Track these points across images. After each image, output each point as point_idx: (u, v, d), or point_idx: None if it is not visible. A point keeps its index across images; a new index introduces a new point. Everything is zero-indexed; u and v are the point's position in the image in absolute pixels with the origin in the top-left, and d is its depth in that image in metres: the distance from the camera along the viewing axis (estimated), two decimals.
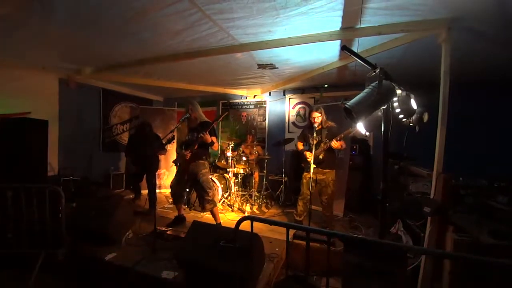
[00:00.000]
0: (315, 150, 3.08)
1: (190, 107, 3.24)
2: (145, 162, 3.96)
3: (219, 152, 5.30)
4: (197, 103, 3.35)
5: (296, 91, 5.52)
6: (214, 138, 3.18)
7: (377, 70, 1.42)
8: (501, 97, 3.89)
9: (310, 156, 3.25)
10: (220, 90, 5.53)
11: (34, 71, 4.16)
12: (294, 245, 2.76)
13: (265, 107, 5.87)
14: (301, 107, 5.54)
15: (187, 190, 4.09)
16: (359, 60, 1.52)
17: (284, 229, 1.63)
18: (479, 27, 2.39)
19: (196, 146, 3.15)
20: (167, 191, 5.51)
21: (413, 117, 1.56)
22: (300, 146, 3.49)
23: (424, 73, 3.28)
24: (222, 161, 4.98)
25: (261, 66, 3.91)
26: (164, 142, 3.33)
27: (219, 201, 4.23)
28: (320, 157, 3.18)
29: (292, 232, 2.91)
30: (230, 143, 4.56)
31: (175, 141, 4.39)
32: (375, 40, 2.86)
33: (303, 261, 1.96)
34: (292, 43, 2.85)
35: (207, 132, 3.03)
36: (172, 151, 5.67)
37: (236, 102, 6.16)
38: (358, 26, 2.53)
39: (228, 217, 3.89)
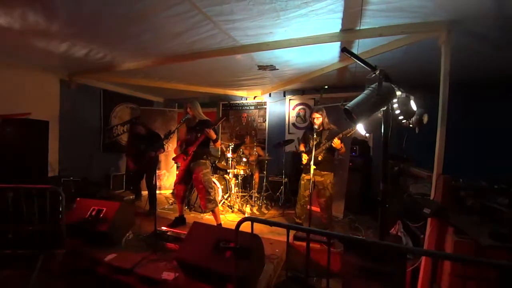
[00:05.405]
0: (314, 151, 3.08)
1: (188, 106, 3.25)
2: (145, 161, 3.97)
3: (219, 153, 5.30)
4: (198, 102, 3.35)
5: (296, 92, 5.53)
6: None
7: (377, 72, 1.43)
8: (501, 98, 3.90)
9: (305, 159, 3.26)
10: (221, 91, 5.54)
11: (35, 72, 4.18)
12: (294, 247, 2.76)
13: (265, 108, 5.88)
14: (301, 108, 5.55)
15: (188, 190, 4.10)
16: (358, 62, 1.52)
17: (284, 230, 1.63)
18: (479, 29, 2.40)
19: (195, 147, 3.16)
20: (167, 192, 5.53)
21: (413, 119, 1.56)
22: (302, 147, 3.49)
23: (424, 74, 3.30)
24: (222, 162, 4.98)
25: (262, 67, 3.92)
26: (162, 137, 3.33)
27: (219, 202, 4.23)
28: (319, 158, 3.18)
29: (292, 233, 2.92)
30: (231, 144, 4.57)
31: (173, 136, 4.33)
32: (375, 42, 2.87)
33: (303, 262, 1.96)
34: (293, 45, 2.86)
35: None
36: (172, 151, 5.68)
37: (237, 103, 6.18)
38: (358, 28, 2.54)
39: (228, 218, 3.89)
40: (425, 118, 1.59)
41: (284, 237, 1.68)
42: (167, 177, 5.69)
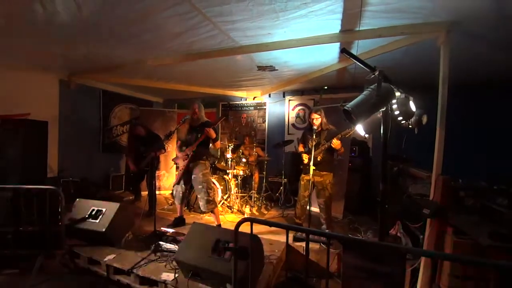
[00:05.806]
0: (314, 151, 3.08)
1: (196, 106, 3.29)
2: (145, 162, 3.97)
3: (219, 154, 5.30)
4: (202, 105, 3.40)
5: (296, 93, 5.54)
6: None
7: (376, 73, 1.43)
8: (501, 98, 3.91)
9: (306, 159, 3.27)
10: (220, 91, 5.55)
11: (35, 72, 4.18)
12: (294, 247, 2.76)
13: (265, 108, 5.89)
14: (301, 108, 5.56)
15: (188, 190, 4.09)
16: (358, 63, 1.53)
17: (284, 231, 1.63)
18: (478, 30, 2.41)
19: (194, 147, 3.17)
20: (167, 192, 5.52)
21: (412, 119, 1.56)
22: (301, 148, 3.50)
23: (423, 75, 3.30)
24: (222, 163, 4.98)
25: (261, 68, 3.92)
26: (162, 138, 3.36)
27: (219, 203, 4.23)
28: (318, 158, 3.19)
29: (292, 234, 2.92)
30: (230, 144, 4.57)
31: (174, 136, 4.33)
32: (374, 43, 2.87)
33: (302, 262, 1.96)
34: (292, 46, 2.86)
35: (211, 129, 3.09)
36: (172, 151, 5.68)
37: (236, 103, 6.18)
38: (358, 29, 2.54)
39: (227, 219, 3.89)
40: (424, 119, 1.59)
41: (284, 237, 1.68)
42: (167, 178, 5.68)
